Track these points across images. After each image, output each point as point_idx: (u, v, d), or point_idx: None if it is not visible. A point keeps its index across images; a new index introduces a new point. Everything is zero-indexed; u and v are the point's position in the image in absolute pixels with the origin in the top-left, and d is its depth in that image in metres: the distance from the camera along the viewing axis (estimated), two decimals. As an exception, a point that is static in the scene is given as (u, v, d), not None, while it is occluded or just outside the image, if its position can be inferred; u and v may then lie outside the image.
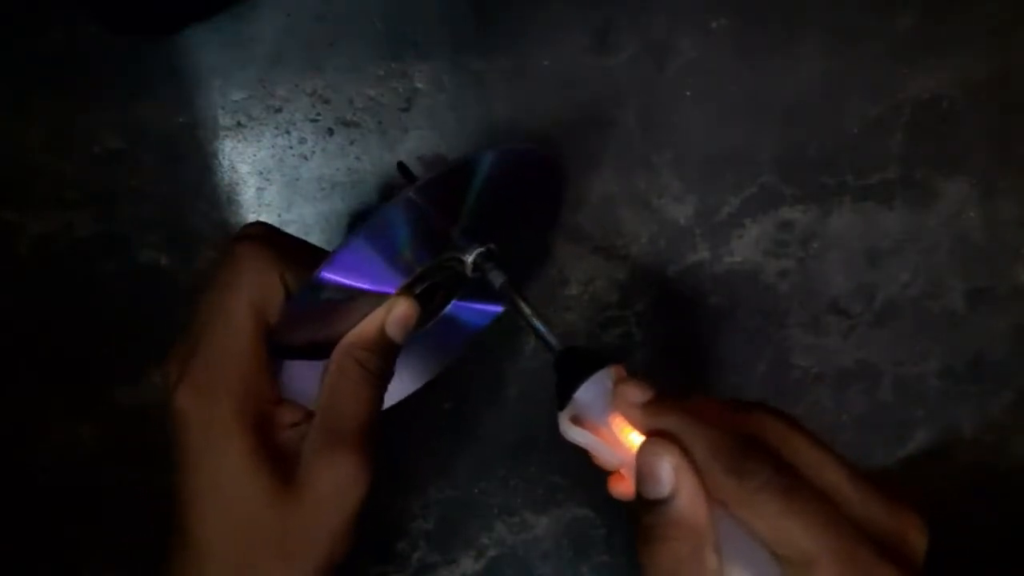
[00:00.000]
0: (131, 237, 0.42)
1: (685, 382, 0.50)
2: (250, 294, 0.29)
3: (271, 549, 0.28)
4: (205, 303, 0.30)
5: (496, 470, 0.49)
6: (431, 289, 0.35)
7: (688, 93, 0.46)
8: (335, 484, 0.29)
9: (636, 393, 0.27)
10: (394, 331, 0.32)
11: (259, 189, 0.43)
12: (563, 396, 0.29)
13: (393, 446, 0.47)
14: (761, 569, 0.24)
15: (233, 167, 0.43)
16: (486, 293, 0.39)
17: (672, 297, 0.48)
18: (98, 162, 0.41)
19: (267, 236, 0.32)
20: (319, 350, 0.31)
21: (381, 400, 0.32)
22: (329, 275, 0.28)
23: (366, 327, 0.32)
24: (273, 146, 0.43)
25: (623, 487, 0.32)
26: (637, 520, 0.26)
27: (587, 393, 0.29)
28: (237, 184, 0.43)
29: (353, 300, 0.31)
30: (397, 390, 0.40)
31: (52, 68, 0.40)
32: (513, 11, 0.43)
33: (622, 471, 0.29)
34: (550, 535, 0.50)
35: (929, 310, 0.51)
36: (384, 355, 0.32)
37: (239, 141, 0.43)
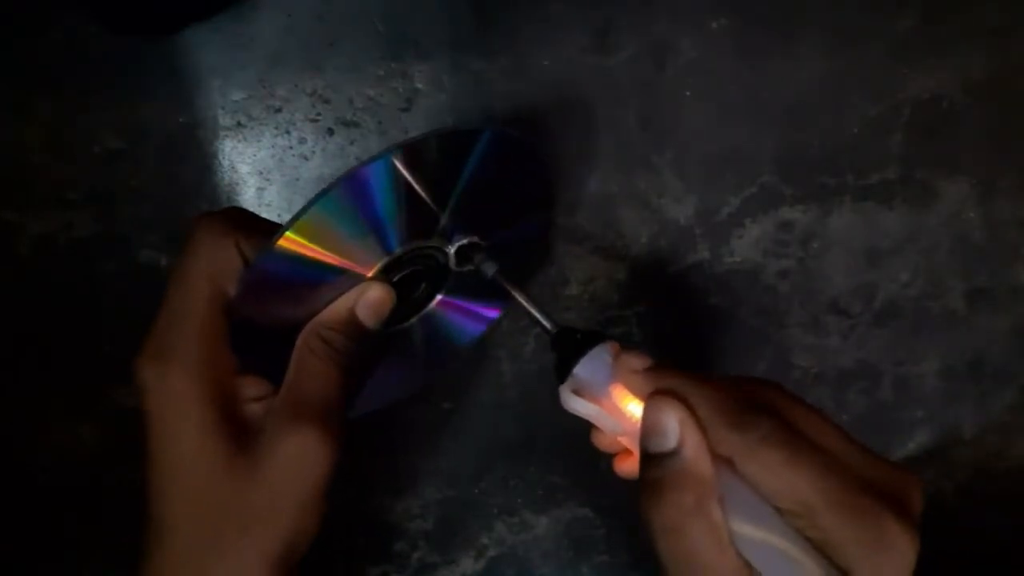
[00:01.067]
0: (131, 237, 0.42)
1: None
2: (204, 262, 0.29)
3: (231, 519, 0.28)
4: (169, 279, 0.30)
5: (496, 470, 0.49)
6: (412, 279, 0.34)
7: (688, 93, 0.46)
8: (295, 456, 0.29)
9: (637, 361, 0.28)
10: (365, 314, 0.32)
11: (259, 189, 0.43)
12: (563, 371, 0.30)
13: (393, 446, 0.47)
14: (763, 522, 0.24)
15: (233, 167, 0.43)
16: (479, 293, 0.38)
17: (672, 297, 0.48)
18: (98, 162, 0.41)
19: (227, 210, 0.32)
20: (295, 331, 0.31)
21: (348, 382, 0.31)
22: (295, 245, 0.28)
23: (336, 307, 0.32)
24: (273, 146, 0.43)
25: (628, 465, 0.32)
26: (641, 476, 0.27)
27: (586, 367, 0.30)
28: (237, 184, 0.43)
29: (326, 280, 0.30)
30: (390, 394, 0.39)
31: (52, 68, 0.40)
32: (513, 11, 0.43)
33: (623, 440, 0.30)
34: (550, 535, 0.50)
35: (929, 310, 0.51)
36: (352, 337, 0.32)
37: (239, 141, 0.43)
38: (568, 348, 0.30)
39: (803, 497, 0.23)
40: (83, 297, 0.43)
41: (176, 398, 0.29)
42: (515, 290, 0.32)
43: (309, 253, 0.29)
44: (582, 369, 0.30)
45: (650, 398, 0.27)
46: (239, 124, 0.42)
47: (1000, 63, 0.49)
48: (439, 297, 0.37)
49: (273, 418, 0.29)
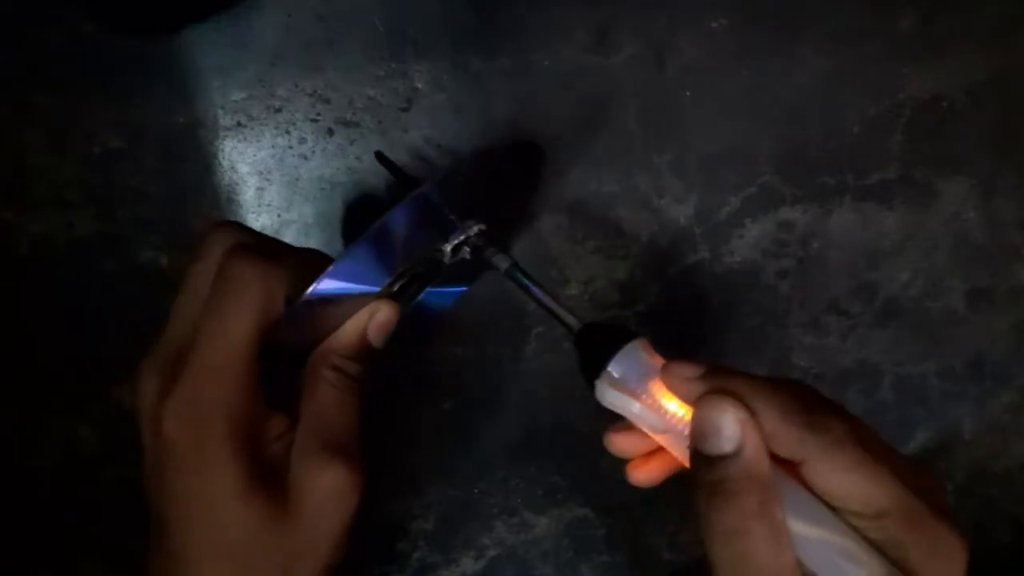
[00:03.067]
0: (131, 237, 0.42)
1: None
2: (256, 318, 0.27)
3: (271, 569, 0.28)
4: (201, 320, 0.28)
5: (496, 470, 0.49)
6: (410, 282, 0.34)
7: (688, 93, 0.46)
8: (329, 494, 0.28)
9: (689, 370, 0.27)
10: (376, 337, 0.31)
11: (259, 189, 0.43)
12: (595, 367, 0.29)
13: (394, 446, 0.47)
14: (823, 522, 0.24)
15: (233, 167, 0.43)
16: (453, 276, 0.38)
17: (672, 297, 0.48)
18: (98, 162, 0.41)
19: (264, 248, 0.30)
20: (300, 354, 0.30)
21: (363, 405, 0.31)
22: (329, 283, 0.27)
23: (347, 333, 0.30)
24: (273, 146, 0.43)
25: (644, 472, 0.31)
26: (696, 478, 0.26)
27: (620, 365, 0.28)
28: (237, 184, 0.43)
29: (337, 302, 0.30)
30: None
31: (52, 68, 0.40)
32: (513, 11, 0.43)
33: (661, 439, 0.29)
34: (550, 535, 0.50)
35: (929, 310, 0.51)
36: (364, 361, 0.31)
37: (239, 141, 0.43)
38: (597, 345, 0.29)
39: (874, 500, 0.24)
40: (83, 297, 0.43)
41: (212, 456, 0.27)
42: (534, 285, 0.31)
43: (339, 288, 0.28)
44: (616, 367, 0.28)
45: (705, 397, 0.26)
46: (239, 124, 0.42)
47: (1000, 63, 0.49)
48: (428, 288, 0.37)
49: (300, 457, 0.28)
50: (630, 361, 0.29)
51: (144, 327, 0.43)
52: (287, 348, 0.30)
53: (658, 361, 0.29)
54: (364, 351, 0.31)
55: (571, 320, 0.31)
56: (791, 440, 0.25)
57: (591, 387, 0.29)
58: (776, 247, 0.49)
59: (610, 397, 0.29)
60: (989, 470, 0.54)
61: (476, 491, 0.49)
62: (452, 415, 0.47)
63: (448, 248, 0.33)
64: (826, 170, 0.48)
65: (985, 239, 0.51)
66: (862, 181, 0.49)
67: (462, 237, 0.33)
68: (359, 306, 0.31)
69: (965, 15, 0.48)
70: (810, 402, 0.25)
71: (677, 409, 0.28)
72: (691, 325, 0.49)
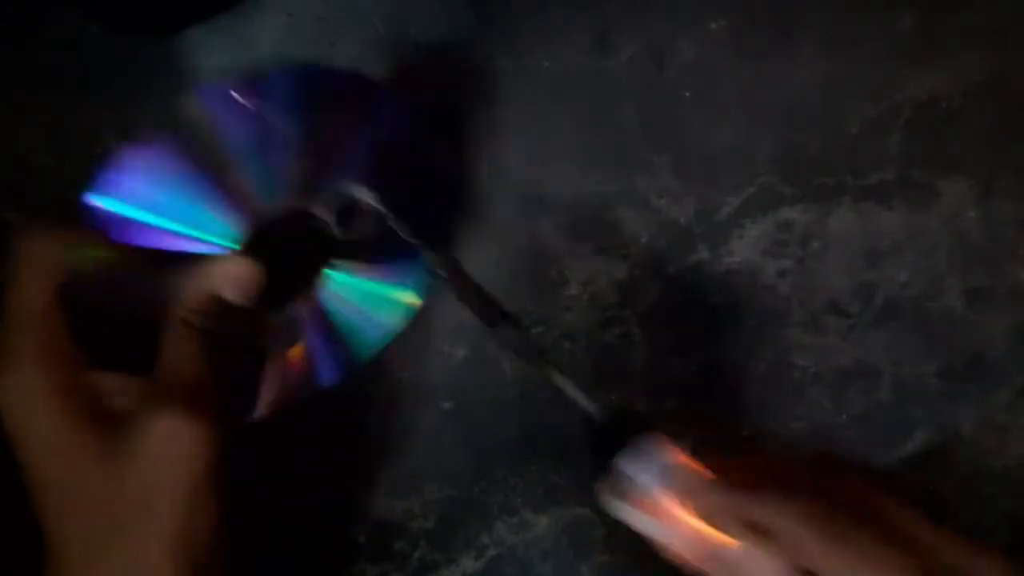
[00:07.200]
0: (131, 237, 0.42)
1: (684, 382, 0.50)
2: (30, 262, 0.29)
3: (113, 517, 0.27)
4: None
5: (496, 470, 0.49)
6: (294, 254, 0.32)
7: (687, 93, 0.46)
8: (165, 441, 0.27)
9: (696, 479, 0.27)
10: (225, 288, 0.31)
11: (259, 189, 0.43)
12: (601, 466, 0.27)
13: (393, 446, 0.47)
14: None
15: (233, 167, 0.43)
16: (395, 277, 0.35)
17: (672, 297, 0.48)
18: (98, 162, 0.41)
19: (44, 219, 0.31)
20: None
21: (217, 359, 0.30)
22: (116, 191, 0.26)
23: (192, 284, 0.31)
24: (273, 146, 0.43)
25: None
26: None
27: (629, 464, 0.26)
28: (237, 184, 0.43)
29: (182, 260, 0.29)
30: (304, 388, 0.38)
31: (52, 68, 0.40)
32: (513, 12, 0.43)
33: (677, 545, 0.27)
34: (550, 535, 0.50)
35: (928, 310, 0.51)
36: (214, 313, 0.30)
37: (239, 141, 0.43)
38: (607, 435, 0.27)
39: None
40: (83, 297, 0.43)
41: (25, 400, 0.28)
42: (559, 374, 0.29)
43: (140, 203, 0.27)
44: (627, 466, 0.26)
45: (744, 537, 0.25)
46: (239, 124, 0.42)
47: (999, 63, 0.49)
48: (334, 274, 0.35)
49: (140, 407, 0.28)
50: (640, 463, 0.26)
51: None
52: (134, 312, 0.30)
53: (675, 460, 0.26)
54: (212, 303, 0.31)
55: (591, 408, 0.29)
56: (810, 554, 0.25)
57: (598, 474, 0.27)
58: (775, 247, 0.49)
59: (622, 513, 0.27)
60: (988, 470, 0.54)
61: (476, 491, 0.49)
62: (452, 415, 0.48)
63: (330, 214, 0.31)
64: (825, 170, 0.48)
65: (984, 239, 0.51)
66: (861, 181, 0.49)
67: (339, 200, 0.31)
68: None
69: (964, 15, 0.48)
70: (835, 508, 0.25)
71: (691, 522, 0.26)
72: (691, 325, 0.49)
